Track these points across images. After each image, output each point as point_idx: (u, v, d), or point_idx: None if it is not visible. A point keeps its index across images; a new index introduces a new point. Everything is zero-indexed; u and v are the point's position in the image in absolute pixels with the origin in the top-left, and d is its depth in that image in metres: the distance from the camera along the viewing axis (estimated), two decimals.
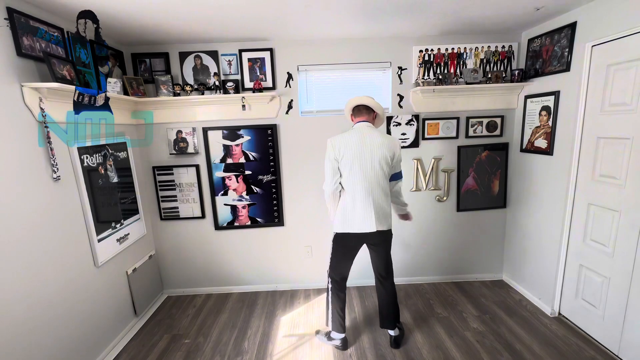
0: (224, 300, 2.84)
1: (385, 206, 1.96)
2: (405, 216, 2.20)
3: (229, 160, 2.72)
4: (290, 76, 2.61)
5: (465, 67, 2.62)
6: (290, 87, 2.63)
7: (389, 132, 2.72)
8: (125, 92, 2.38)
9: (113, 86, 2.19)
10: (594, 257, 2.09)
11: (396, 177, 2.04)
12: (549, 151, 2.36)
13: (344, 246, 2.02)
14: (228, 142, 2.69)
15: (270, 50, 2.55)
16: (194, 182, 2.74)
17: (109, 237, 2.20)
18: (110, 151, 2.25)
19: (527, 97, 2.56)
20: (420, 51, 2.60)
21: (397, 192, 2.08)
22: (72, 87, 1.76)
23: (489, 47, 2.61)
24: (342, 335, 2.14)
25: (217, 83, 2.51)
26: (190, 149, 2.67)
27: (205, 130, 2.65)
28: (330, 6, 1.91)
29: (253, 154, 2.72)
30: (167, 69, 2.56)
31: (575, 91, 2.13)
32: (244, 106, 2.55)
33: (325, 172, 1.97)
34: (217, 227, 2.83)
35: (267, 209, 2.82)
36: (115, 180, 2.29)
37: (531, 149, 2.55)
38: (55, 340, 1.75)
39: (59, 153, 1.81)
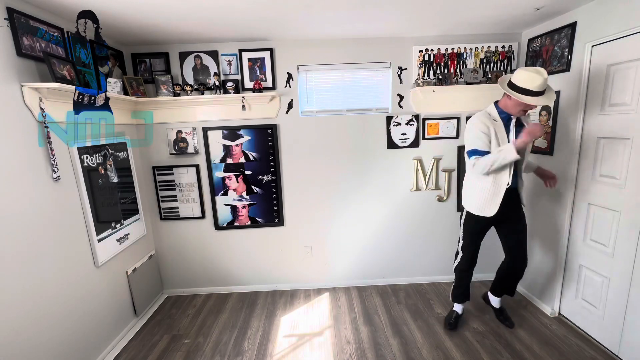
0: (224, 300, 2.84)
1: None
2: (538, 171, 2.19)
3: (229, 160, 2.72)
4: (290, 76, 2.61)
5: (465, 67, 2.62)
6: (290, 87, 2.63)
7: (389, 132, 2.72)
8: (125, 92, 2.37)
9: (113, 86, 2.19)
10: (594, 257, 2.09)
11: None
12: (549, 151, 2.36)
13: (476, 228, 2.12)
14: (228, 142, 2.69)
15: (270, 50, 2.55)
16: (194, 182, 2.74)
17: (109, 237, 2.20)
18: (110, 151, 2.25)
19: None
20: (420, 51, 2.60)
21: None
22: (72, 87, 1.76)
23: (489, 47, 2.61)
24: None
25: (217, 83, 2.50)
26: (190, 149, 2.67)
27: (205, 130, 2.65)
28: (330, 6, 1.91)
29: (253, 154, 2.72)
30: (167, 69, 2.56)
31: (575, 91, 2.13)
32: (244, 106, 2.55)
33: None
34: (217, 227, 2.83)
35: (267, 209, 2.82)
36: (115, 180, 2.29)
37: (531, 149, 2.54)
38: (55, 340, 1.75)
39: (59, 153, 1.81)
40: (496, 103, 1.98)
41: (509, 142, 1.90)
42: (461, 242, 2.20)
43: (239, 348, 2.21)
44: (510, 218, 2.07)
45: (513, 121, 1.93)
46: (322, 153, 2.75)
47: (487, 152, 1.89)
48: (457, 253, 2.25)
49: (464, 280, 2.26)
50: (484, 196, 1.99)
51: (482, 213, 2.02)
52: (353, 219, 2.88)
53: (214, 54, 2.55)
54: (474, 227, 2.12)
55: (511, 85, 1.85)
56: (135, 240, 2.51)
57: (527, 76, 1.77)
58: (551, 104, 1.87)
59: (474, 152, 1.93)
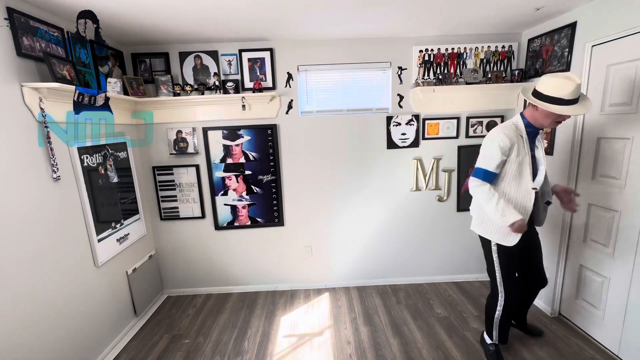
0: (224, 300, 2.84)
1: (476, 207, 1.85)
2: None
3: (229, 160, 2.72)
4: (290, 76, 2.61)
5: (465, 67, 2.62)
6: (290, 87, 2.63)
7: (389, 132, 2.72)
8: (125, 92, 2.37)
9: (113, 86, 2.19)
10: (594, 257, 2.09)
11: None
12: (549, 151, 2.36)
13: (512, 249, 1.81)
14: (228, 142, 2.69)
15: (270, 50, 2.55)
16: (194, 182, 2.74)
17: (109, 237, 2.20)
18: (110, 151, 2.25)
19: None
20: (420, 51, 2.60)
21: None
22: (72, 87, 1.76)
23: (489, 47, 2.61)
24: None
25: (217, 83, 2.50)
26: (190, 149, 2.67)
27: (205, 130, 2.65)
28: (330, 6, 1.91)
29: (253, 154, 2.72)
30: (167, 69, 2.56)
31: None
32: (244, 106, 2.55)
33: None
34: (217, 227, 2.83)
35: (267, 209, 2.82)
36: (115, 180, 2.29)
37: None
38: (55, 340, 1.76)
39: (59, 153, 1.81)
40: (522, 114, 1.72)
41: (530, 156, 1.69)
42: (499, 276, 1.79)
43: (239, 348, 2.21)
44: (531, 240, 1.88)
45: (539, 136, 1.72)
46: (322, 153, 2.76)
47: (495, 175, 1.69)
48: (496, 294, 1.84)
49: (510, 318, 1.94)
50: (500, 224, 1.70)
51: (505, 242, 1.73)
52: (353, 218, 2.89)
53: (214, 54, 2.55)
54: (511, 250, 1.75)
55: (538, 95, 1.61)
56: (135, 240, 2.51)
57: (556, 82, 1.54)
58: (589, 112, 1.62)
59: (482, 173, 1.69)
